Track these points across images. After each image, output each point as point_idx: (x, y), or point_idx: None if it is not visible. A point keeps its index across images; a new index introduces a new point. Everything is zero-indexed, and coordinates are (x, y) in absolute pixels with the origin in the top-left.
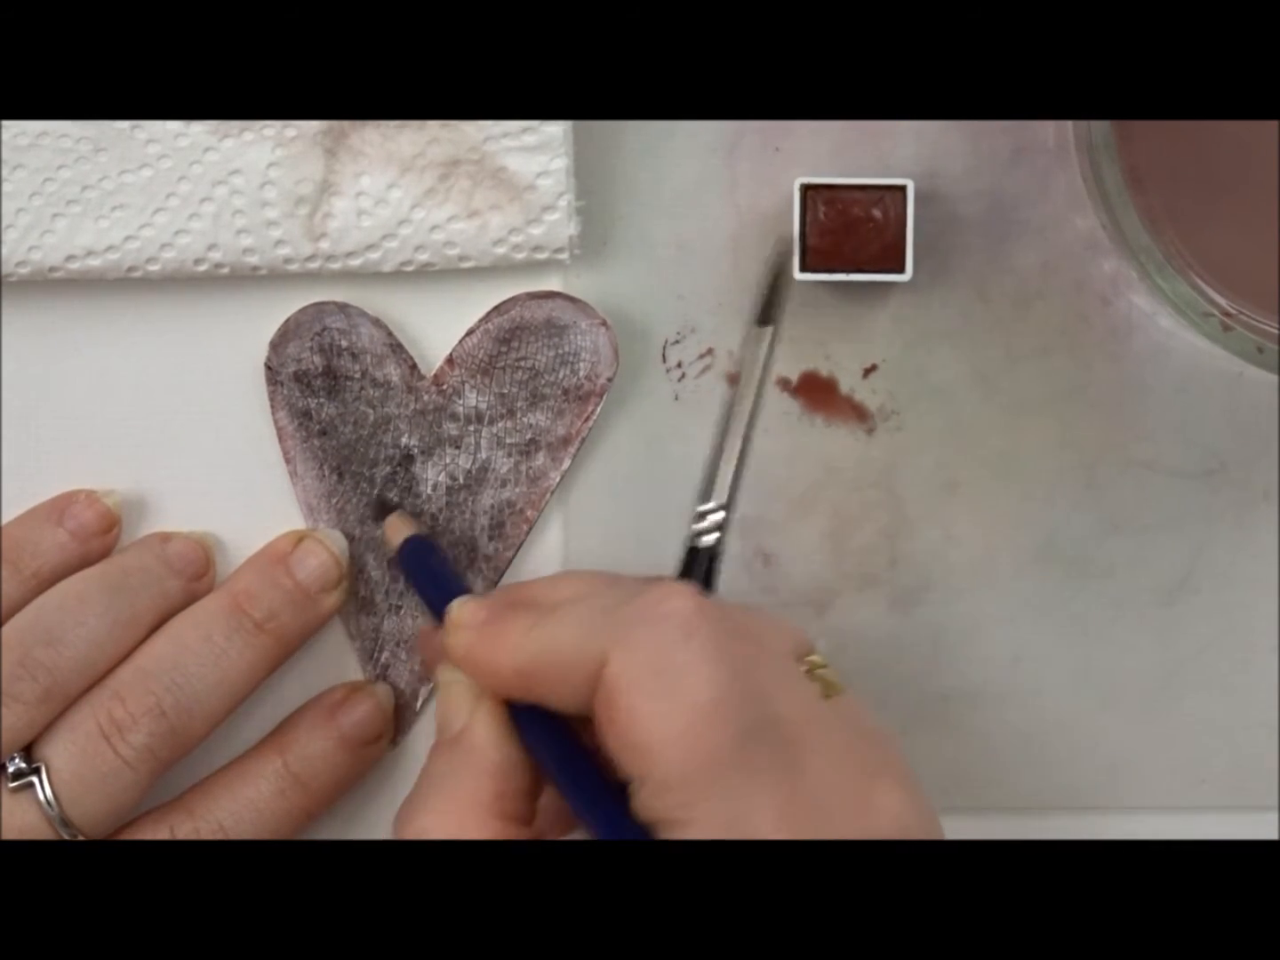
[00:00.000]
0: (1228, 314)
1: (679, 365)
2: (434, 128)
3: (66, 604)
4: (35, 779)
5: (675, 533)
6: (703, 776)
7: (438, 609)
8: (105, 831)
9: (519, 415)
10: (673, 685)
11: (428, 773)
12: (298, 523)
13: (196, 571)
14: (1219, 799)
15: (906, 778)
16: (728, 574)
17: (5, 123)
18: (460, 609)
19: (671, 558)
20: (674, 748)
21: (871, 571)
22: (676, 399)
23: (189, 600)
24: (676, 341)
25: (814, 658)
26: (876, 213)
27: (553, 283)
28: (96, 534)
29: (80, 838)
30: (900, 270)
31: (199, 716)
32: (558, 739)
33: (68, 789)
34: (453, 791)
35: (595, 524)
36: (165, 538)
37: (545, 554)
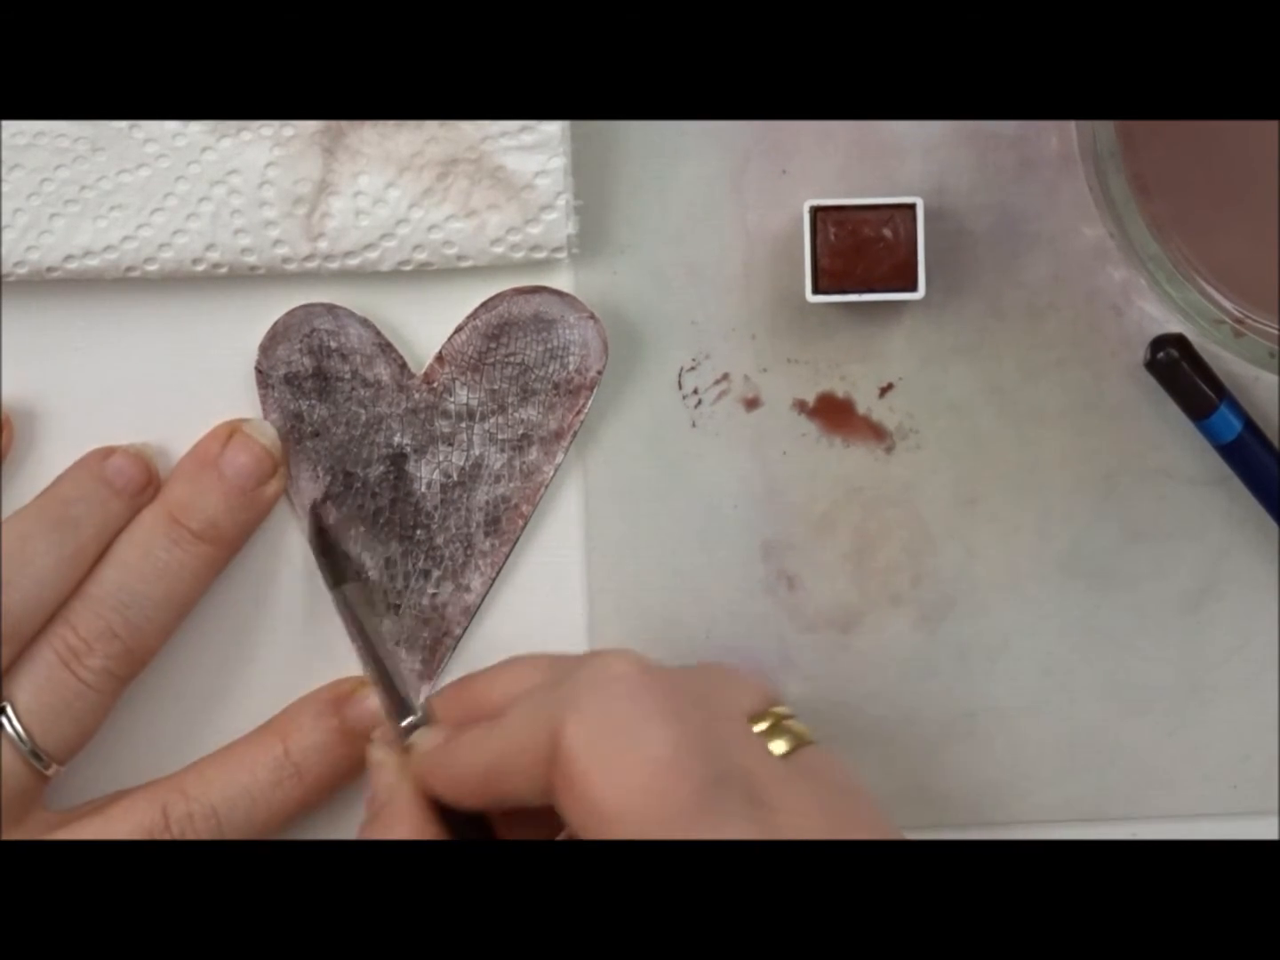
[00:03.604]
0: (1239, 320)
1: (695, 392)
2: (432, 127)
3: (10, 547)
4: (3, 717)
5: (697, 563)
6: (667, 831)
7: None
8: (75, 755)
9: (510, 411)
10: (627, 744)
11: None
12: (295, 523)
13: (139, 487)
14: (1251, 804)
15: (879, 831)
16: (753, 598)
17: (3, 122)
18: (420, 739)
19: (694, 586)
20: (635, 805)
21: (895, 590)
22: (694, 425)
23: (134, 517)
24: (692, 368)
25: (779, 709)
26: (887, 232)
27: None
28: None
29: (52, 767)
30: (913, 288)
31: (151, 632)
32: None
33: (36, 720)
34: None
35: (616, 557)
36: (104, 454)
37: (570, 591)
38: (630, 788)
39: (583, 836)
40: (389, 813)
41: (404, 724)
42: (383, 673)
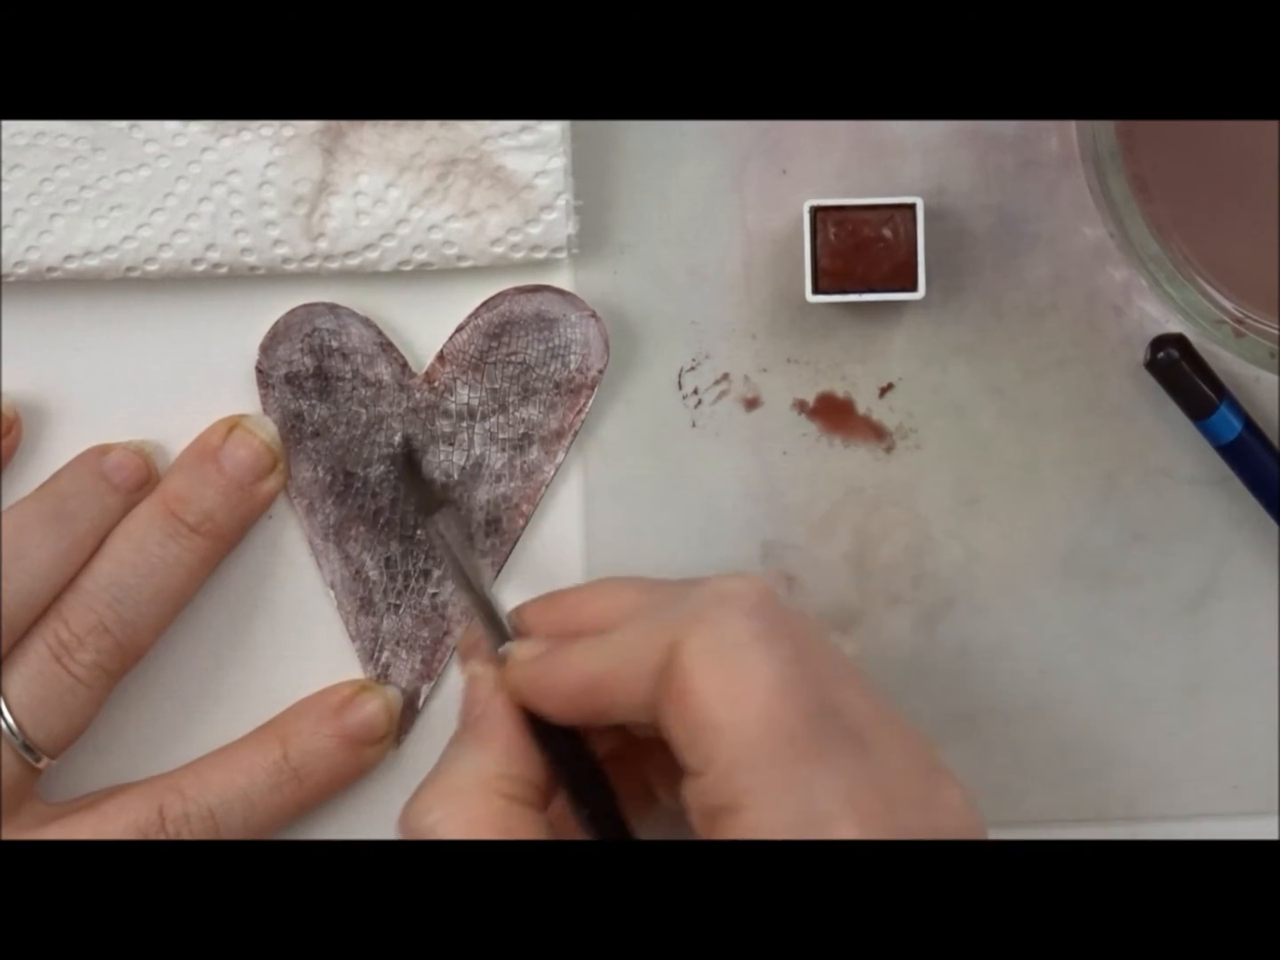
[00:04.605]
0: (1239, 320)
1: (695, 392)
2: (432, 127)
3: (5, 539)
4: None
5: (697, 563)
6: (775, 756)
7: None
8: (66, 748)
9: (511, 410)
10: (745, 664)
11: (442, 756)
12: (294, 520)
13: (136, 483)
14: (1251, 804)
15: (959, 780)
16: None
17: (3, 122)
18: (518, 649)
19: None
20: (748, 725)
21: (895, 590)
22: (694, 425)
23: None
24: (692, 368)
25: None
26: (887, 232)
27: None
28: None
29: (43, 760)
30: (913, 288)
31: (142, 627)
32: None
33: (28, 713)
34: (459, 769)
35: (616, 555)
36: (103, 450)
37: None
38: (744, 706)
39: (685, 752)
40: (484, 724)
41: (500, 650)
42: (479, 599)
